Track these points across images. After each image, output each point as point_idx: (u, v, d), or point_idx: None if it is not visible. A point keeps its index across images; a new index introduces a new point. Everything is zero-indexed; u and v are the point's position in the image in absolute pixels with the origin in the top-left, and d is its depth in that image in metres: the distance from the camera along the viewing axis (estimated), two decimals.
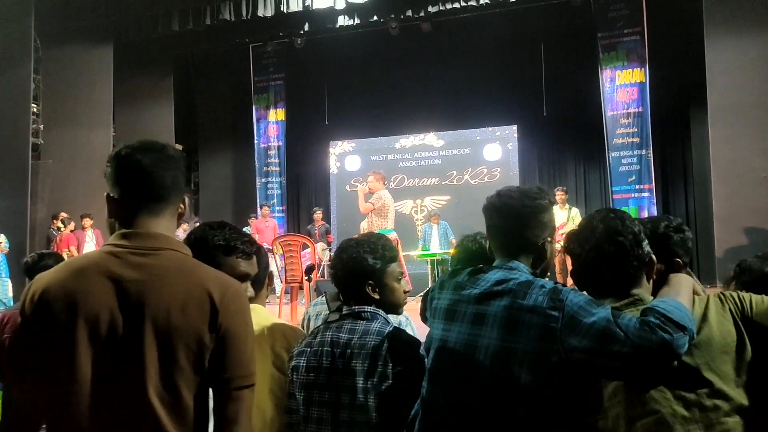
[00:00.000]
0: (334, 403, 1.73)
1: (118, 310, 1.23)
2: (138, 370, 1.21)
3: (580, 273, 1.60)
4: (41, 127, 10.48)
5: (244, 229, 11.22)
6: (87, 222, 9.75)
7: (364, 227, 7.04)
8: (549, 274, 1.70)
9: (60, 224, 9.56)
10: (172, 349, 1.23)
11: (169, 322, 1.23)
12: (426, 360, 1.71)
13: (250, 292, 1.70)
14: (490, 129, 11.84)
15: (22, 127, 9.32)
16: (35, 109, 10.28)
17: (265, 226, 10.70)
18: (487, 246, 2.07)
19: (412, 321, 2.43)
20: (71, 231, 9.64)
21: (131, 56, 11.14)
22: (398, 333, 1.81)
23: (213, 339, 1.24)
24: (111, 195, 1.34)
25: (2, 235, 8.95)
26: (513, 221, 1.60)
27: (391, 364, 1.71)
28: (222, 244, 1.61)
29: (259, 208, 11.46)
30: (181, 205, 1.40)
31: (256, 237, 10.14)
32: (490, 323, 1.47)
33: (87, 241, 9.72)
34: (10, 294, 8.86)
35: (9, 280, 8.94)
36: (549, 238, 1.62)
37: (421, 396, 1.59)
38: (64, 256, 7.22)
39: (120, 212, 1.33)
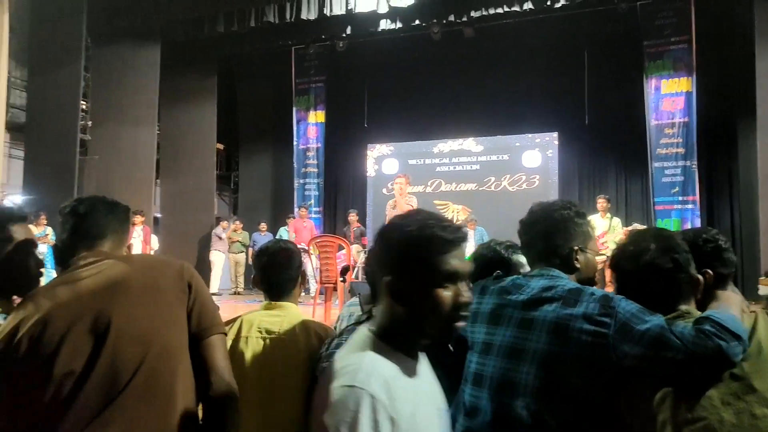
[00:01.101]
0: None
1: (96, 310, 1.37)
2: (139, 348, 1.36)
3: (628, 289, 1.60)
4: (89, 123, 10.79)
5: (282, 229, 11.36)
6: (138, 219, 10.01)
7: None
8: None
9: None
10: (161, 311, 1.42)
11: (150, 292, 1.43)
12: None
13: (468, 296, 1.16)
14: (530, 136, 11.73)
15: (71, 124, 9.61)
16: (84, 106, 10.59)
17: (303, 226, 10.80)
18: (506, 254, 2.09)
19: None
20: None
21: (177, 56, 11.38)
22: None
23: (188, 297, 1.46)
24: (56, 244, 1.59)
25: (49, 228, 9.24)
26: (537, 234, 1.68)
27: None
28: (416, 235, 1.14)
29: (297, 209, 11.57)
30: (126, 249, 1.65)
31: (293, 237, 10.24)
32: (539, 328, 1.49)
33: (134, 236, 9.99)
34: None
35: (54, 272, 9.21)
36: (578, 247, 1.64)
37: (462, 399, 1.59)
38: None
39: (64, 256, 1.56)
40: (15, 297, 1.63)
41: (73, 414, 1.30)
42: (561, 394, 1.43)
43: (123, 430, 1.31)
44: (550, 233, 1.65)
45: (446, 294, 1.13)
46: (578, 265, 1.63)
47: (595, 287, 1.58)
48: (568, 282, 1.55)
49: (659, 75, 9.71)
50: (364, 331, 1.19)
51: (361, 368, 1.08)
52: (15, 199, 10.32)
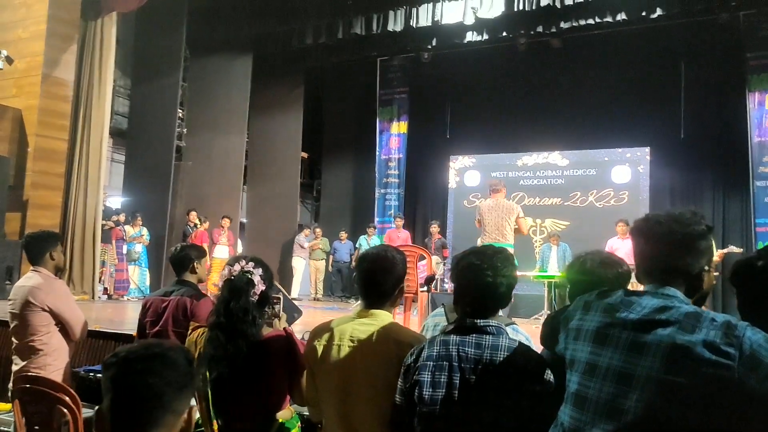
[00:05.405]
0: (473, 419, 1.67)
1: None
2: None
3: (747, 307, 1.51)
4: (184, 130, 11.33)
5: (362, 237, 11.45)
6: (226, 222, 10.42)
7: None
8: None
9: (196, 221, 10.24)
10: None
11: None
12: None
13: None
14: (620, 150, 11.31)
15: (169, 131, 10.12)
16: (180, 114, 11.14)
17: (398, 236, 10.86)
18: (604, 275, 1.96)
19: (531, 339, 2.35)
20: (204, 229, 10.30)
21: (267, 67, 11.78)
22: (531, 350, 1.75)
23: None
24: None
25: (145, 229, 9.75)
26: (668, 248, 1.49)
27: (528, 382, 1.65)
28: None
29: (393, 219, 11.56)
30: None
31: None
32: (652, 353, 1.36)
33: (221, 241, 10.39)
34: (148, 283, 9.63)
35: (147, 270, 9.71)
36: (706, 267, 1.49)
37: (560, 420, 1.51)
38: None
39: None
40: None
41: None
42: (674, 427, 1.31)
43: None
44: (683, 250, 1.48)
45: None
46: (704, 287, 1.50)
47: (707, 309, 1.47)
48: (683, 304, 1.42)
49: (763, 89, 9.17)
50: None
51: None
52: (115, 200, 10.97)
